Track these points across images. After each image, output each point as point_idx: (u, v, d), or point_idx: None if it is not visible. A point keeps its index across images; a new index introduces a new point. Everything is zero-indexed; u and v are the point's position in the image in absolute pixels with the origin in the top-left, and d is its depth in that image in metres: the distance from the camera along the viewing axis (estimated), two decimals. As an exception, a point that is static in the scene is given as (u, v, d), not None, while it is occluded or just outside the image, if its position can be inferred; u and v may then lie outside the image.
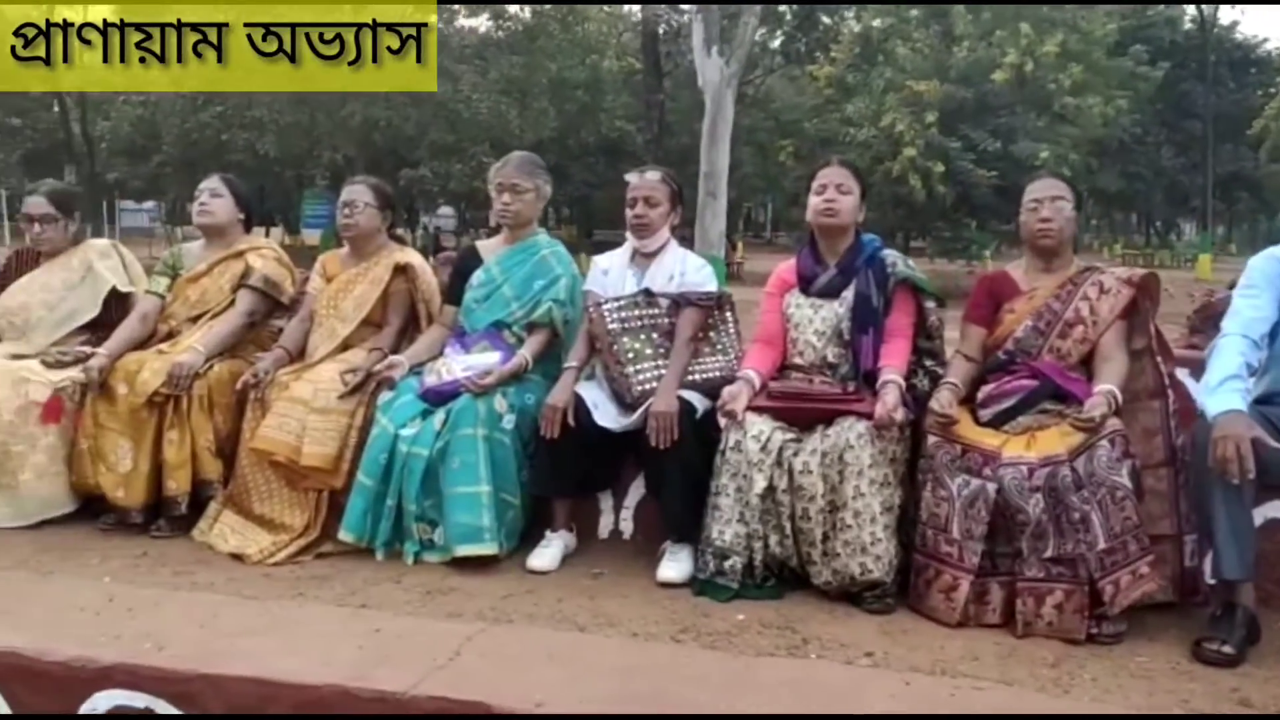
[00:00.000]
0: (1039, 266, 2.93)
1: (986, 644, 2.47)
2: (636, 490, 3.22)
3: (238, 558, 3.07)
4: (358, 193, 3.49)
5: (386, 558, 3.06)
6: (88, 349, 3.49)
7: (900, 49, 21.12)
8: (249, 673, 2.26)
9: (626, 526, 3.22)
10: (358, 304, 3.43)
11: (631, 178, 3.28)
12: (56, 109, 26.28)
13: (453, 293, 3.44)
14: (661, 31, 22.07)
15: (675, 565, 2.87)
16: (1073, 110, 20.89)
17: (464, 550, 2.95)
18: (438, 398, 3.13)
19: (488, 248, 3.48)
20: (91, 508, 3.43)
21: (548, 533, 3.08)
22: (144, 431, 3.28)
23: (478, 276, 3.38)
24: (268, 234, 30.02)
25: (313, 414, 3.14)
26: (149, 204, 32.37)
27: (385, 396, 3.17)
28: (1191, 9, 33.75)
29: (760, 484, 2.72)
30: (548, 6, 19.02)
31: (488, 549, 2.95)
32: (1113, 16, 24.20)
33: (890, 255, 2.99)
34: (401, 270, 3.45)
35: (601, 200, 29.45)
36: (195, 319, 3.55)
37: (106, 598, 2.70)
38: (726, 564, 2.76)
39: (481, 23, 21.28)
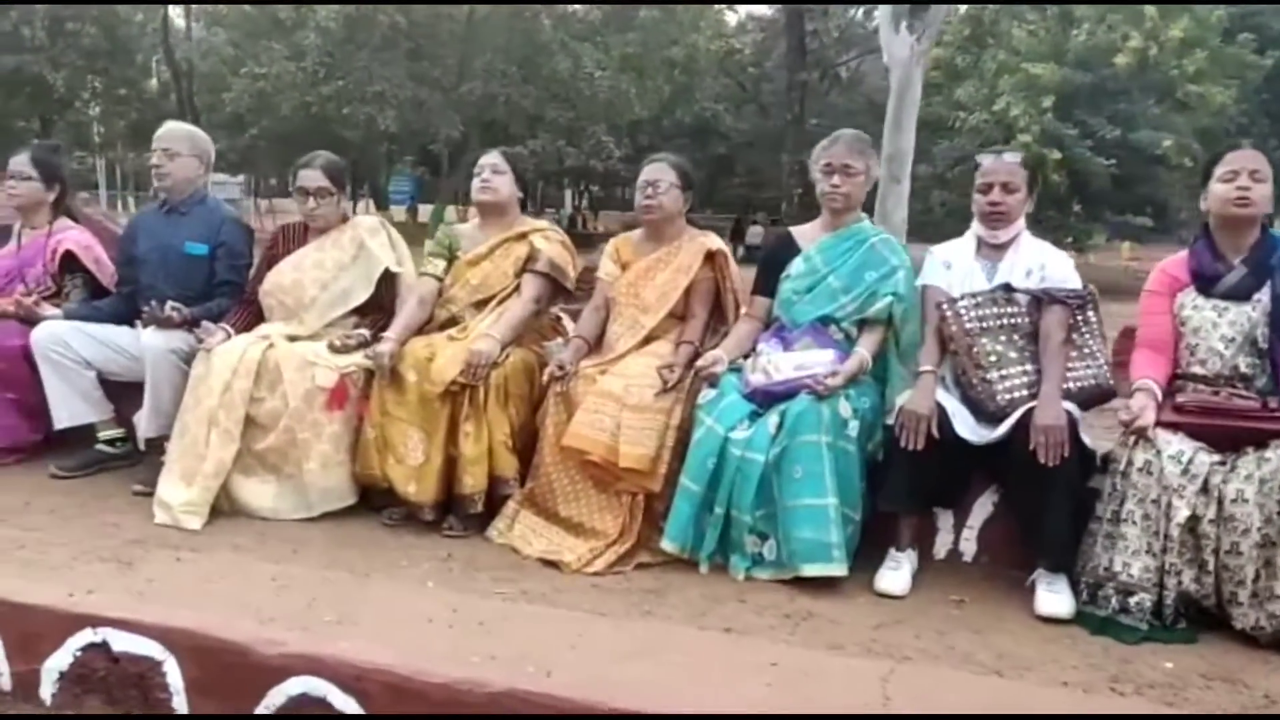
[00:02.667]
0: None
1: None
2: (982, 508, 2.91)
3: (549, 563, 2.84)
4: (660, 171, 3.20)
5: (710, 571, 2.80)
6: (366, 332, 3.30)
7: (1015, 31, 20.24)
8: (663, 708, 2.02)
9: (968, 547, 2.92)
10: (662, 293, 3.16)
11: (985, 159, 2.95)
12: (155, 82, 26.63)
13: (765, 283, 3.16)
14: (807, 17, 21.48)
15: (1057, 598, 2.56)
16: (1195, 98, 19.91)
17: (811, 569, 2.67)
18: (766, 398, 2.85)
19: (804, 234, 3.17)
20: (369, 501, 3.23)
21: (892, 551, 2.79)
22: (436, 423, 3.06)
23: (797, 266, 3.08)
24: (354, 209, 30.44)
25: (627, 411, 2.88)
26: (240, 177, 32.91)
27: (706, 395, 2.90)
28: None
29: (1183, 513, 2.39)
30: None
31: (837, 569, 2.67)
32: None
33: (1315, 253, 2.63)
34: (710, 257, 3.17)
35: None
36: (479, 304, 3.31)
37: (449, 608, 2.48)
38: (1132, 601, 2.45)
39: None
